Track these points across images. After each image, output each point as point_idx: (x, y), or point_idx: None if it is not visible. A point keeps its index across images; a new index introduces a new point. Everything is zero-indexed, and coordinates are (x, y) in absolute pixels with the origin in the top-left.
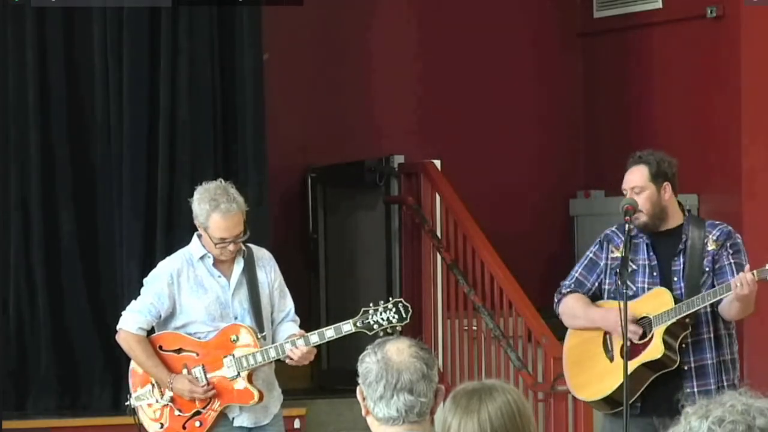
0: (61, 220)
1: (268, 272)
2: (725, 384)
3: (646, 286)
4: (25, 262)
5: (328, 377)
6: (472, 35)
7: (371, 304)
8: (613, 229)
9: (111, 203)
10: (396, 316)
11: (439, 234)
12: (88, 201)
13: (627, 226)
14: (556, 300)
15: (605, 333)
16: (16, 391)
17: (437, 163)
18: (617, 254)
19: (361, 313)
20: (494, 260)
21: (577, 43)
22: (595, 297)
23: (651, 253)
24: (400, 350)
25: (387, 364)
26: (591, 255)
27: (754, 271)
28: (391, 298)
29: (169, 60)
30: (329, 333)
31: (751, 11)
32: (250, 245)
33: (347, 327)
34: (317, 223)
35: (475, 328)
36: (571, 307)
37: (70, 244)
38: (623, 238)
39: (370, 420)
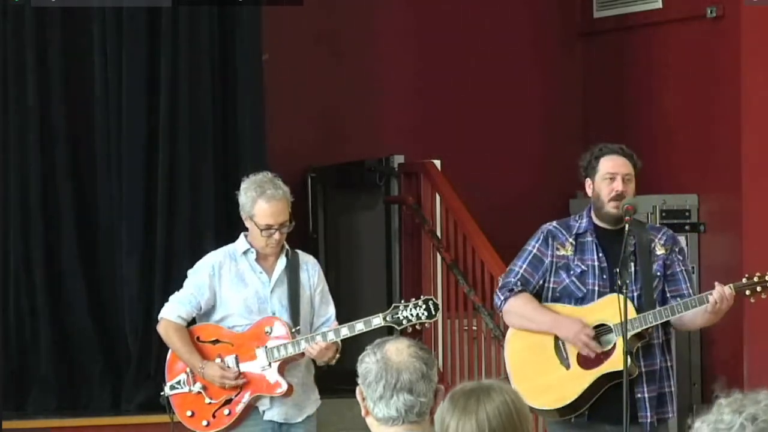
0: (61, 221)
1: (311, 275)
2: (671, 389)
3: (597, 288)
4: (25, 262)
5: (328, 377)
6: (472, 35)
7: (402, 300)
8: (555, 225)
9: (111, 203)
10: (425, 313)
11: (439, 234)
12: (88, 201)
13: (627, 226)
14: (502, 297)
15: (557, 338)
16: (16, 391)
17: (437, 163)
18: (563, 252)
19: (391, 308)
20: (494, 260)
21: (577, 43)
22: (536, 296)
23: (600, 254)
24: (399, 350)
25: (386, 364)
26: (534, 251)
27: (731, 285)
28: (422, 296)
29: (169, 60)
30: (359, 326)
31: (751, 11)
32: (297, 250)
33: (377, 320)
34: (317, 223)
35: (475, 328)
36: (519, 307)
37: (70, 244)
38: (568, 236)
39: (369, 420)
